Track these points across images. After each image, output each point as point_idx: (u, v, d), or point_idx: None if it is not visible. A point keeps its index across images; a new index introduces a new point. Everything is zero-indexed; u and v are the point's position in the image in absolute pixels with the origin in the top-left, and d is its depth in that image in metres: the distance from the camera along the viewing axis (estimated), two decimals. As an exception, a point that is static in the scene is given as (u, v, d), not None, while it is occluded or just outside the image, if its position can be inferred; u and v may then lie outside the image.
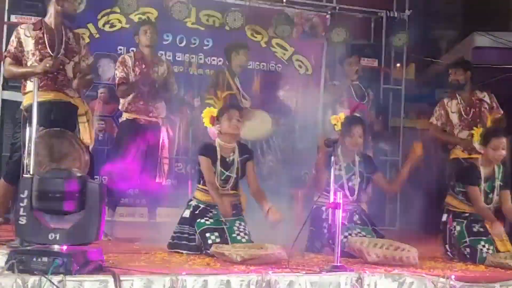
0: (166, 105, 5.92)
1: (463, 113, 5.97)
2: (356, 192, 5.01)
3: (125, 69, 5.67)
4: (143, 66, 5.71)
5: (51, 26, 4.84)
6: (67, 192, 3.54)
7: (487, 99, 6.08)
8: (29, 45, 4.76)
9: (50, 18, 4.88)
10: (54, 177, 3.63)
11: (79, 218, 3.52)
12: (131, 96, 5.66)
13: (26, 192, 3.62)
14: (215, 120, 4.67)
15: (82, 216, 3.52)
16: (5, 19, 6.56)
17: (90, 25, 6.98)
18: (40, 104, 4.44)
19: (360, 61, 6.91)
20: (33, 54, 4.74)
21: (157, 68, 5.77)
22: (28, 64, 4.76)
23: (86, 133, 4.86)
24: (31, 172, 4.05)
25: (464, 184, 4.95)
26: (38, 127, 4.17)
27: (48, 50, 4.75)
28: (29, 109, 4.62)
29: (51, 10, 4.88)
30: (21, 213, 3.59)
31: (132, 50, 6.20)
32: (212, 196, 4.53)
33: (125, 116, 5.75)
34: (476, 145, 4.99)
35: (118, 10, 6.99)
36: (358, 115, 5.16)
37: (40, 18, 4.98)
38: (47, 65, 4.58)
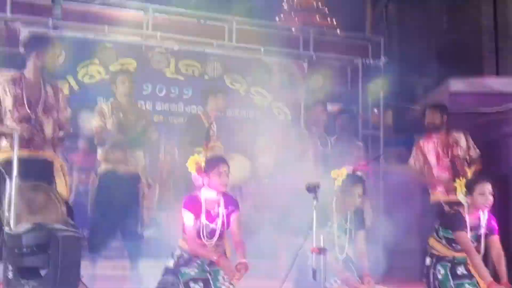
0: (145, 154, 5.92)
1: (440, 154, 6.06)
2: (345, 251, 4.96)
3: (102, 118, 5.67)
4: (120, 115, 5.72)
5: (30, 82, 4.83)
6: (34, 246, 3.53)
7: (463, 139, 6.19)
8: (7, 102, 4.75)
9: (29, 73, 4.88)
10: (22, 232, 3.63)
11: (48, 271, 3.48)
12: (108, 145, 5.64)
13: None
14: (201, 170, 4.53)
15: (51, 269, 3.49)
16: (-16, 73, 6.54)
17: (69, 77, 7.00)
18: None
19: (325, 111, 6.81)
20: (11, 112, 4.73)
21: (134, 117, 5.79)
22: (6, 122, 4.74)
23: (63, 186, 4.87)
24: (12, 227, 4.03)
25: (450, 231, 4.93)
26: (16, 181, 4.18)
27: (27, 109, 4.74)
28: (2, 164, 4.63)
29: (31, 65, 4.89)
30: (9, 267, 3.57)
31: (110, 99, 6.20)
32: (194, 251, 4.43)
33: (103, 166, 5.71)
34: (461, 197, 4.89)
35: (97, 62, 7.03)
36: (359, 174, 5.07)
37: (19, 72, 4.97)
38: (24, 134, 4.54)
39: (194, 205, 4.50)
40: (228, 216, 4.60)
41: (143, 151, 5.90)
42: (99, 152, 5.76)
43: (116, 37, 7.24)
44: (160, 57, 7.23)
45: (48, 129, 4.85)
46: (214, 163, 4.52)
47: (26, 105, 4.76)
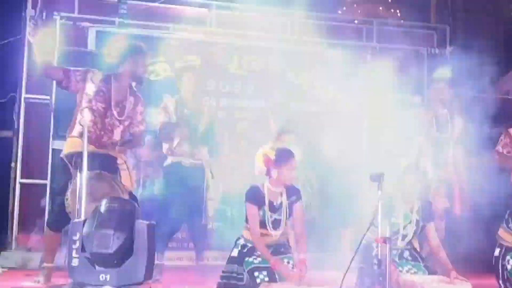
0: (210, 149, 6.01)
1: None
2: (408, 239, 4.91)
3: (167, 114, 5.79)
4: (185, 110, 5.83)
5: (117, 85, 4.95)
6: (116, 234, 3.61)
7: None
8: (89, 90, 4.86)
9: (119, 77, 4.98)
10: (103, 219, 3.71)
11: (129, 258, 3.57)
12: (176, 140, 5.76)
13: (78, 235, 3.71)
14: (270, 162, 4.55)
15: (132, 256, 3.58)
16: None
17: (135, 75, 7.15)
18: (80, 154, 4.57)
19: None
20: (87, 101, 4.85)
21: (198, 113, 5.88)
22: (82, 112, 4.85)
23: (127, 178, 4.97)
24: (82, 217, 4.17)
25: None
26: (85, 172, 4.31)
27: (102, 105, 4.86)
28: (69, 156, 4.79)
29: (122, 69, 4.98)
30: (73, 255, 3.68)
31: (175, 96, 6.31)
32: (255, 245, 4.50)
33: (169, 160, 5.84)
34: None
35: (163, 59, 7.17)
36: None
37: (111, 73, 5.03)
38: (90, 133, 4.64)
39: (256, 197, 4.56)
40: (290, 206, 4.64)
41: (208, 146, 5.99)
42: (165, 146, 5.88)
43: (180, 34, 7.35)
44: (223, 53, 7.30)
45: (117, 134, 4.94)
46: (286, 157, 4.55)
47: (102, 102, 4.86)
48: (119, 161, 5.00)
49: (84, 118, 4.67)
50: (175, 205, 5.56)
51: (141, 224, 3.61)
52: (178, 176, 5.68)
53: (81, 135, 4.75)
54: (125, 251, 3.60)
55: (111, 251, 3.52)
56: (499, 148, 5.87)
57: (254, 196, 4.57)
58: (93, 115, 4.83)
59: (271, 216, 4.55)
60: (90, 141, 4.72)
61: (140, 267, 3.56)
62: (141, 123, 5.09)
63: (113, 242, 3.57)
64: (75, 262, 3.63)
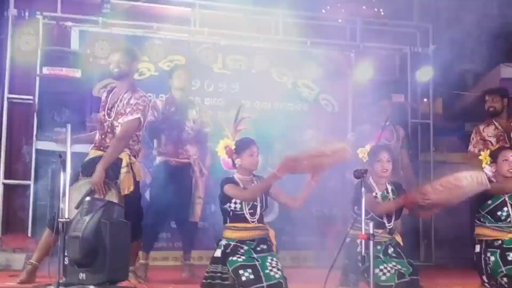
0: (199, 147, 6.00)
1: (501, 138, 5.90)
2: (393, 220, 4.95)
3: (154, 113, 5.78)
4: (173, 109, 5.83)
5: (116, 88, 5.06)
6: (83, 235, 3.63)
7: None
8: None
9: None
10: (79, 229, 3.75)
11: (99, 258, 3.58)
12: (162, 139, 5.77)
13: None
14: (232, 153, 4.62)
15: (101, 256, 3.58)
16: (38, 71, 6.75)
17: (120, 74, 7.13)
18: (92, 159, 4.82)
19: (391, 102, 6.79)
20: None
21: (187, 112, 5.88)
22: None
23: (125, 182, 4.89)
24: (66, 217, 4.19)
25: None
26: (73, 173, 4.35)
27: (103, 113, 4.99)
28: (86, 163, 4.88)
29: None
30: (66, 254, 3.72)
31: (162, 96, 6.30)
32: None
33: (158, 159, 5.87)
34: (487, 168, 5.06)
35: (147, 59, 7.16)
36: (383, 143, 5.20)
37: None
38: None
39: (233, 182, 4.60)
40: (265, 193, 4.67)
41: (197, 144, 5.97)
42: (155, 145, 5.90)
43: (164, 34, 7.35)
44: (207, 53, 7.31)
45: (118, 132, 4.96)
46: (246, 144, 4.63)
47: (103, 110, 4.99)
48: (123, 163, 4.89)
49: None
50: (162, 204, 5.55)
51: (111, 225, 3.62)
52: (165, 176, 5.67)
53: (96, 146, 4.98)
54: (96, 252, 3.61)
55: (79, 256, 3.54)
56: (470, 148, 6.00)
57: (231, 181, 4.61)
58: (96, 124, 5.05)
59: (247, 203, 4.56)
60: (97, 147, 4.92)
61: (112, 266, 3.57)
62: (129, 113, 4.91)
63: (80, 247, 3.59)
64: (66, 261, 3.67)
